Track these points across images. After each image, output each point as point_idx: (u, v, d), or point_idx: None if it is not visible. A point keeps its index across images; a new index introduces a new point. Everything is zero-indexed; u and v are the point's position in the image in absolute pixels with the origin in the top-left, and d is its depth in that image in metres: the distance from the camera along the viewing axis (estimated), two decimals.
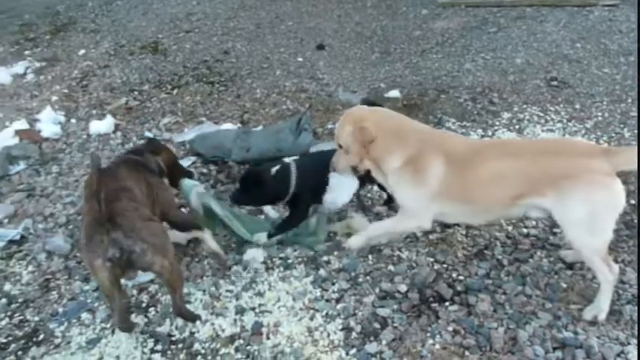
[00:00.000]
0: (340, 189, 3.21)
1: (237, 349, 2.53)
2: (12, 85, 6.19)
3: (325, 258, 3.13)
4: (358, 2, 7.84)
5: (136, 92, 5.65)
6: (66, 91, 5.86)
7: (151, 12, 7.96)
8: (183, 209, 3.42)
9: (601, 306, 2.58)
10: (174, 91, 5.59)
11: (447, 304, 2.81)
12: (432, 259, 3.12)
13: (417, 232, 3.23)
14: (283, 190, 3.09)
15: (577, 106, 4.73)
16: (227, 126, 4.79)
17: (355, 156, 2.74)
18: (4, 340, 2.58)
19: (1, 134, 4.87)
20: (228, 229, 3.21)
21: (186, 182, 3.26)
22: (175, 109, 5.23)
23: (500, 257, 3.12)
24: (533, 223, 3.36)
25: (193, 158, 4.30)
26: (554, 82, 5.14)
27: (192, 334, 2.61)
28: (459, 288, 2.91)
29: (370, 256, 3.16)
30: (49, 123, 5.07)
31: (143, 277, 2.99)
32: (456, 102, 4.92)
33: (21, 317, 2.74)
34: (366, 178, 3.10)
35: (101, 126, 4.96)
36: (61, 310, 2.77)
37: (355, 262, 3.10)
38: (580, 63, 5.51)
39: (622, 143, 4.14)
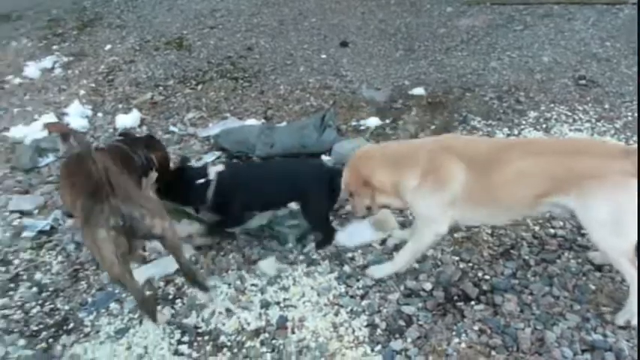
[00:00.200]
0: (357, 230, 3.18)
1: (262, 343, 2.54)
2: (40, 79, 6.30)
3: (350, 254, 3.13)
4: None
5: (161, 87, 5.71)
6: (93, 85, 5.95)
7: (175, 8, 8.03)
8: None
9: (633, 310, 2.54)
10: (199, 87, 5.63)
11: (472, 303, 2.78)
12: (457, 258, 3.10)
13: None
14: (200, 197, 3.07)
15: (606, 106, 4.64)
16: (251, 122, 4.82)
17: (366, 197, 2.81)
18: (36, 328, 2.64)
19: (30, 127, 4.97)
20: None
21: None
22: (200, 105, 5.28)
23: (526, 257, 3.08)
24: (561, 223, 3.32)
25: (218, 153, 4.33)
26: (583, 81, 5.06)
27: (218, 326, 2.64)
28: (484, 287, 2.88)
29: (395, 254, 3.14)
30: (76, 116, 5.16)
31: (169, 268, 3.04)
32: (481, 100, 4.87)
33: (52, 306, 2.79)
34: None
35: (127, 120, 5.03)
36: (90, 299, 2.82)
37: (380, 259, 3.09)
38: (609, 62, 5.40)
39: None
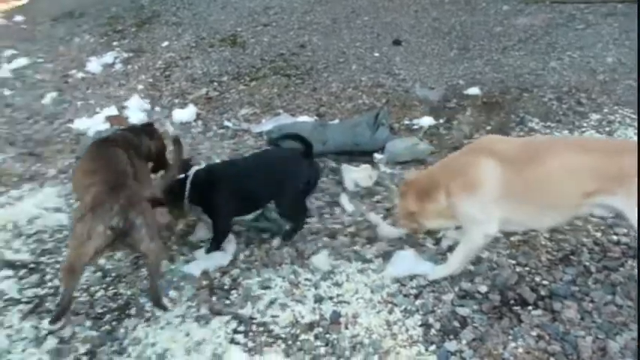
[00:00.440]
0: (403, 260, 3.11)
1: (316, 337, 2.57)
2: (102, 74, 6.58)
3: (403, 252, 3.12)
4: None
5: (215, 83, 5.85)
6: (151, 80, 6.16)
7: (229, 6, 8.19)
8: None
9: None
10: (252, 83, 5.73)
11: (529, 308, 2.71)
12: (513, 262, 3.04)
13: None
14: (180, 192, 3.15)
15: None
16: (303, 118, 4.87)
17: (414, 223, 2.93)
18: (100, 311, 2.75)
19: (93, 119, 5.19)
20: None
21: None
22: (253, 101, 5.37)
23: (587, 264, 2.98)
24: (624, 230, 3.19)
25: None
26: None
27: (272, 317, 2.68)
28: (542, 293, 2.81)
29: (448, 255, 3.11)
30: (136, 110, 5.36)
31: (223, 260, 3.11)
32: (540, 101, 4.74)
33: (115, 290, 2.91)
34: None
35: (183, 114, 5.18)
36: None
37: (433, 258, 3.07)
38: None
39: None
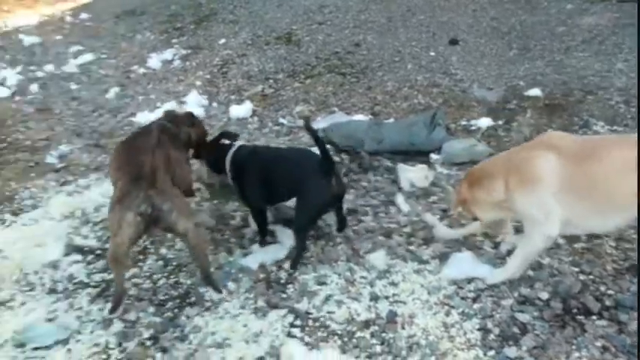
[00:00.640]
0: (460, 262, 3.05)
1: (372, 335, 2.57)
2: (162, 69, 6.79)
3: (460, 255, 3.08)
4: None
5: (271, 80, 5.93)
6: (208, 77, 6.31)
7: (285, 4, 8.27)
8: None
9: None
10: (307, 81, 5.78)
11: (594, 317, 2.62)
12: (576, 269, 2.94)
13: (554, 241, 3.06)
14: (220, 162, 3.26)
15: None
16: (358, 117, 4.87)
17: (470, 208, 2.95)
18: (163, 298, 2.85)
19: (153, 114, 5.36)
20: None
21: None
22: (308, 98, 5.41)
23: None
24: None
25: (326, 146, 4.41)
26: None
27: (328, 313, 2.70)
28: (607, 303, 2.70)
29: (507, 259, 3.04)
30: (194, 105, 5.50)
31: (279, 254, 3.16)
32: (605, 104, 4.55)
33: (176, 279, 3.00)
34: None
35: (240, 110, 5.28)
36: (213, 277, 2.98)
37: (491, 262, 3.01)
38: None
39: None
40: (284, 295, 2.85)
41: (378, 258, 3.07)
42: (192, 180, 3.35)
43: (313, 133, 3.05)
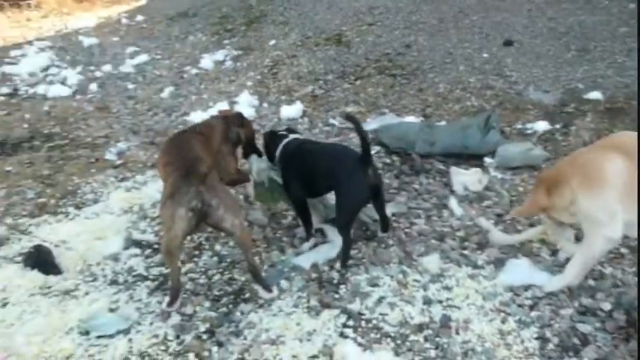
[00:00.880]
0: (517, 268, 2.97)
1: (426, 339, 2.54)
2: (214, 70, 6.94)
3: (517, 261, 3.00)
4: None
5: (321, 81, 5.96)
6: (259, 77, 6.40)
7: (335, 6, 8.30)
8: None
9: None
10: (357, 82, 5.77)
11: None
12: None
13: (618, 248, 2.95)
14: (272, 151, 3.41)
15: None
16: (409, 119, 4.83)
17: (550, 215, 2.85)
18: (217, 293, 2.91)
19: (206, 113, 5.48)
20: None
21: (254, 158, 3.61)
22: (358, 99, 5.41)
23: None
24: None
25: (377, 148, 4.40)
26: None
27: (381, 315, 2.69)
28: None
29: (566, 266, 2.95)
30: (245, 105, 5.59)
31: (331, 253, 3.17)
32: None
33: (230, 275, 3.06)
34: None
35: (291, 111, 5.33)
36: (262, 274, 3.04)
37: (549, 269, 2.92)
38: None
39: None
40: (336, 296, 2.85)
41: (432, 261, 3.04)
42: (235, 168, 3.45)
43: (355, 122, 3.08)
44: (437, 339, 2.54)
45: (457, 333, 2.57)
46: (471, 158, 4.10)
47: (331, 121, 5.08)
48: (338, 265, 3.08)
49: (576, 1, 6.94)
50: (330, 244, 3.28)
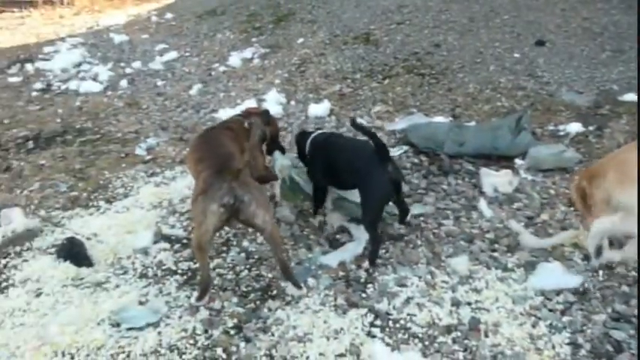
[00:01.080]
0: (547, 272, 2.91)
1: (454, 341, 2.51)
2: (242, 67, 6.99)
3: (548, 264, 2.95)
4: None
5: (348, 80, 5.94)
6: (286, 75, 6.42)
7: (363, 4, 8.27)
8: None
9: None
10: (385, 81, 5.74)
11: None
12: None
13: None
14: (302, 147, 3.48)
15: None
16: (438, 119, 4.78)
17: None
18: (245, 289, 2.93)
19: (234, 110, 5.51)
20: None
21: (277, 155, 3.69)
22: (386, 99, 5.38)
23: None
24: None
25: (405, 147, 4.38)
26: None
27: (409, 316, 2.67)
28: None
29: (601, 272, 2.89)
30: (273, 103, 5.61)
31: (357, 248, 3.16)
32: None
33: (257, 272, 3.08)
34: None
35: (318, 109, 5.33)
36: (292, 270, 3.04)
37: (582, 273, 2.87)
38: None
39: None
40: (364, 295, 2.84)
41: (460, 263, 3.01)
42: (264, 165, 3.51)
43: (360, 127, 3.24)
44: (465, 341, 2.51)
45: (486, 336, 2.54)
46: (501, 159, 4.05)
47: (359, 119, 5.05)
48: (365, 263, 3.07)
49: (611, 1, 6.78)
50: (356, 242, 3.28)
